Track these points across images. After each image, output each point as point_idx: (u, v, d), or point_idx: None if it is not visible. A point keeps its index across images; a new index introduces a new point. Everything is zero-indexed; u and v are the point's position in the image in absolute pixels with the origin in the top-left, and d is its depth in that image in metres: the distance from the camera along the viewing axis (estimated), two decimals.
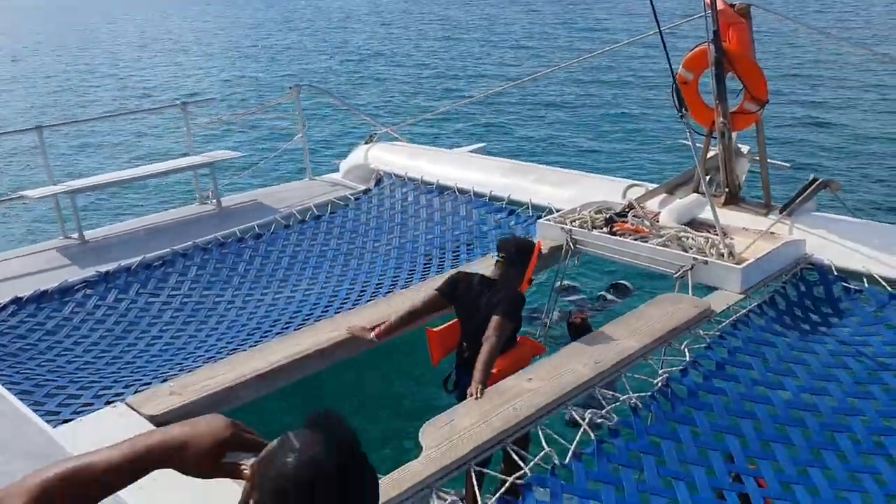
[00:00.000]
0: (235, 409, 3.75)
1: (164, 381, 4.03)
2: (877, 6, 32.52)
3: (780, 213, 5.17)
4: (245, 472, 1.24)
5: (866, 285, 4.61)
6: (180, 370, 4.33)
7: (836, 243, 4.91)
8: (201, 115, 9.38)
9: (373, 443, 5.32)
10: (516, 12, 41.81)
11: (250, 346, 4.56)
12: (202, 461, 1.25)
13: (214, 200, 7.19)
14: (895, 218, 9.41)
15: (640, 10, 37.38)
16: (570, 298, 6.03)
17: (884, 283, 4.54)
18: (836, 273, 4.73)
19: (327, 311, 5.14)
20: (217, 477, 1.27)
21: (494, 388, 3.49)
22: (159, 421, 3.40)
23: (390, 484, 2.83)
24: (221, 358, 4.40)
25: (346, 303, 5.27)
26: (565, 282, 5.46)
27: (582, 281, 7.14)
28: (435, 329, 4.37)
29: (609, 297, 6.67)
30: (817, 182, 5.30)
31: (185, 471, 1.26)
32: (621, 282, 6.76)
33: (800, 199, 5.21)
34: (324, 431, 1.16)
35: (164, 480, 1.29)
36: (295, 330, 4.74)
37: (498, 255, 4.17)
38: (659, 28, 4.55)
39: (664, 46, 4.63)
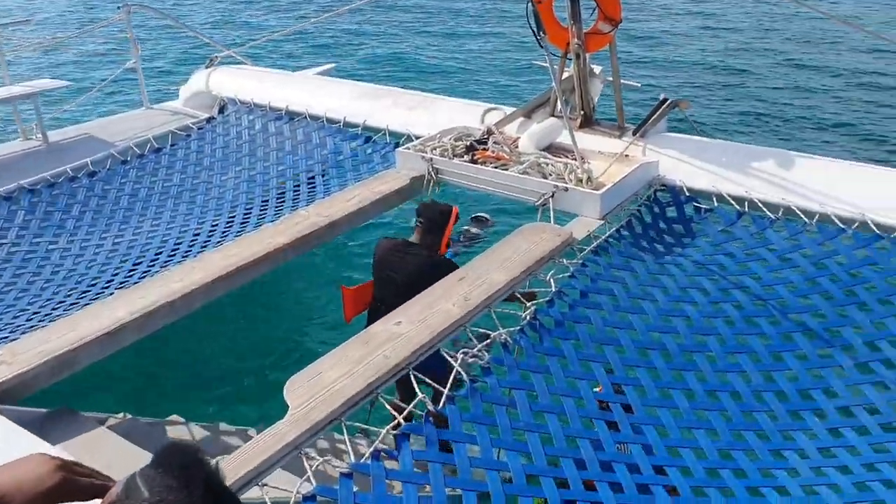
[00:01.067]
0: (77, 373, 3.44)
1: None
2: None
3: (634, 134, 5.22)
4: None
5: (715, 204, 4.76)
6: (11, 332, 3.92)
7: (686, 163, 5.03)
8: (17, 39, 8.40)
9: (236, 403, 5.13)
10: None
11: (92, 300, 4.18)
12: None
13: (40, 135, 6.52)
14: (742, 136, 9.90)
15: None
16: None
17: (732, 201, 4.70)
18: (687, 193, 4.85)
19: (174, 255, 4.80)
20: None
21: (362, 336, 3.35)
22: None
23: (256, 449, 2.66)
24: (58, 315, 4.02)
25: (194, 244, 4.93)
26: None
27: None
28: (350, 287, 4.24)
29: (473, 230, 6.62)
30: (667, 102, 5.38)
31: None
32: (480, 214, 6.71)
33: (651, 119, 5.28)
34: (176, 474, 0.97)
35: None
36: (140, 278, 4.39)
37: (417, 220, 4.11)
38: None
39: None
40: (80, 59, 14.48)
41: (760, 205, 4.62)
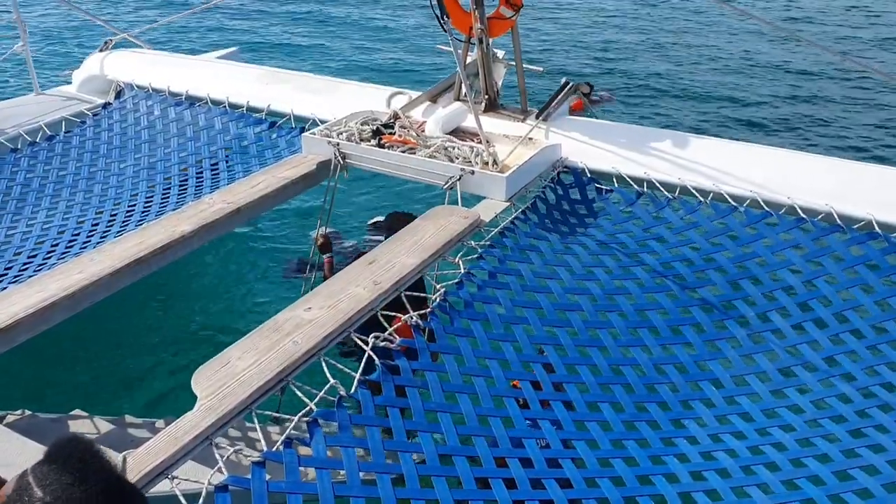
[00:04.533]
0: None
1: None
2: None
3: (537, 118, 5.32)
4: None
5: (616, 185, 4.91)
6: None
7: (588, 145, 5.16)
8: None
9: (143, 395, 5.00)
10: None
11: None
12: None
13: None
14: (641, 119, 10.20)
15: None
16: (340, 247, 5.76)
17: (631, 182, 4.86)
18: (589, 175, 4.99)
19: (72, 246, 4.63)
20: None
21: (270, 324, 3.32)
22: None
23: (165, 441, 2.61)
24: None
25: (93, 235, 4.76)
26: (329, 230, 5.27)
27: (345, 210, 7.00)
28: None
29: (374, 238, 6.48)
30: (569, 85, 5.51)
31: None
32: (378, 219, 6.60)
33: (553, 103, 5.39)
34: (72, 469, 0.94)
35: None
36: (37, 271, 4.21)
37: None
38: None
39: None
40: None
41: (658, 185, 4.80)
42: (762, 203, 4.52)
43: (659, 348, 3.77)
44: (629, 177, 4.87)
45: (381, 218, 5.32)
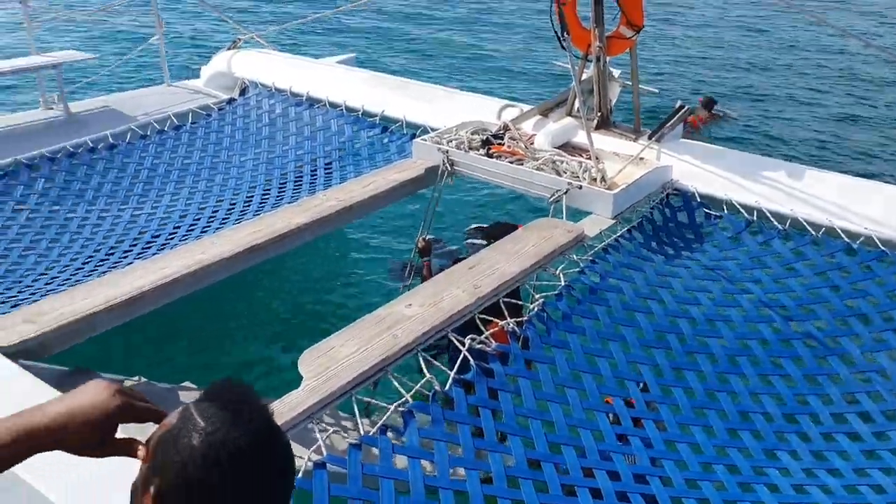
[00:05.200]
0: (97, 336, 3.54)
1: (14, 305, 3.72)
2: None
3: (649, 139, 5.30)
4: (140, 451, 1.10)
5: (725, 211, 4.84)
6: (31, 294, 4.02)
7: (699, 169, 5.10)
8: (45, 11, 8.50)
9: (251, 374, 5.23)
10: None
11: (110, 268, 4.28)
12: (87, 440, 1.09)
13: (62, 106, 6.59)
14: (754, 148, 9.96)
15: None
16: (441, 251, 5.85)
17: (741, 209, 4.78)
18: (699, 199, 4.94)
19: (192, 230, 4.90)
20: (108, 455, 1.13)
21: (374, 316, 3.44)
22: (11, 352, 3.14)
23: None
24: (77, 280, 4.12)
25: (212, 221, 5.03)
26: (429, 235, 5.39)
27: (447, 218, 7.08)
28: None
29: (477, 242, 6.54)
30: (683, 109, 5.46)
31: (72, 452, 1.11)
32: (480, 225, 6.62)
33: (667, 125, 5.36)
34: (231, 406, 1.04)
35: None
36: (159, 250, 4.48)
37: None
38: None
39: None
40: (106, 33, 14.55)
41: (769, 215, 4.70)
42: (878, 241, 4.37)
43: (757, 378, 3.70)
44: (740, 204, 4.80)
45: (482, 224, 5.38)
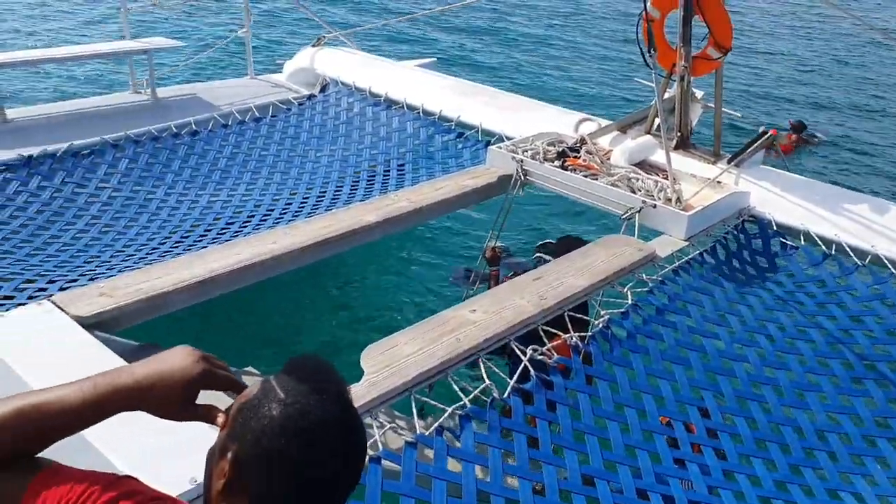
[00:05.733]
0: (168, 314, 3.63)
1: (92, 279, 3.84)
2: None
3: (729, 162, 5.20)
4: (219, 418, 1.14)
5: (802, 242, 4.71)
6: (107, 269, 4.14)
7: (778, 197, 4.99)
8: None
9: None
10: None
11: (184, 250, 4.39)
12: (170, 402, 1.14)
13: (149, 90, 6.80)
14: (835, 178, 9.70)
15: None
16: (508, 261, 5.83)
17: (819, 241, 4.65)
18: (775, 228, 4.82)
19: (265, 219, 4.99)
20: (188, 420, 1.17)
21: (438, 318, 3.45)
22: (87, 323, 3.25)
23: None
24: (153, 259, 4.24)
25: (285, 212, 5.11)
26: (498, 244, 5.38)
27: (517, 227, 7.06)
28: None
29: (545, 258, 6.51)
30: (766, 135, 5.35)
31: (153, 413, 1.15)
32: (548, 241, 6.60)
33: (748, 150, 5.26)
34: (311, 380, 1.06)
35: (127, 417, 1.18)
36: (232, 237, 4.58)
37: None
38: None
39: None
40: (195, 22, 15.01)
41: (848, 249, 4.56)
42: None
43: (824, 415, 3.59)
44: (818, 235, 4.67)
45: (550, 241, 5.34)
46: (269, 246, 4.01)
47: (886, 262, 4.42)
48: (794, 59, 17.21)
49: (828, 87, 15.15)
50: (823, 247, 4.63)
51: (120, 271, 3.95)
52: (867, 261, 4.48)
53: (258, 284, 4.01)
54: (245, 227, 4.85)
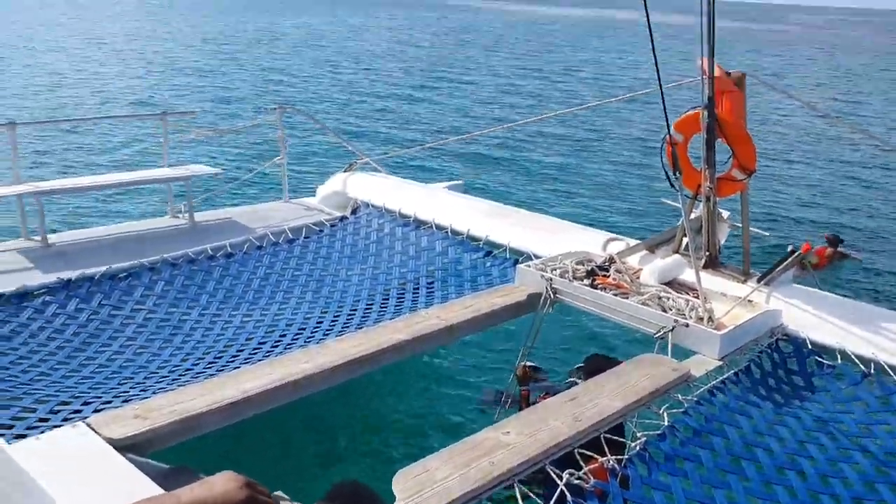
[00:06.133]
0: (203, 435, 3.62)
1: (126, 401, 3.87)
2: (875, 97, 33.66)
3: (759, 281, 5.20)
4: None
5: (839, 361, 4.64)
6: (142, 390, 4.17)
7: (811, 315, 4.95)
8: (181, 128, 9.22)
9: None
10: (514, 56, 42.58)
11: (217, 370, 4.42)
12: None
13: (187, 215, 7.03)
14: (868, 297, 9.62)
15: (640, 67, 38.51)
16: (539, 385, 5.76)
17: (857, 360, 4.57)
18: (810, 346, 4.76)
19: (297, 338, 5.03)
20: None
21: (470, 441, 3.40)
22: (121, 445, 3.25)
23: None
24: (186, 380, 4.26)
25: (316, 331, 5.16)
26: (528, 363, 5.37)
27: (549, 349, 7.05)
28: None
29: (579, 381, 6.45)
30: (795, 254, 5.36)
31: None
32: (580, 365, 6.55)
33: (778, 269, 5.26)
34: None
35: None
36: (265, 356, 4.61)
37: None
38: (661, 86, 4.58)
39: (664, 106, 4.67)
40: (234, 149, 15.64)
41: (888, 368, 4.48)
42: None
43: None
44: (855, 354, 4.59)
45: (581, 364, 5.31)
46: (301, 366, 4.03)
47: None
48: (818, 181, 17.42)
49: (848, 208, 15.26)
50: (862, 366, 4.55)
51: (154, 393, 3.98)
52: None
53: (290, 404, 4.01)
54: (277, 346, 4.89)
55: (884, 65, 50.90)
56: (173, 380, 4.37)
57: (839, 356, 4.65)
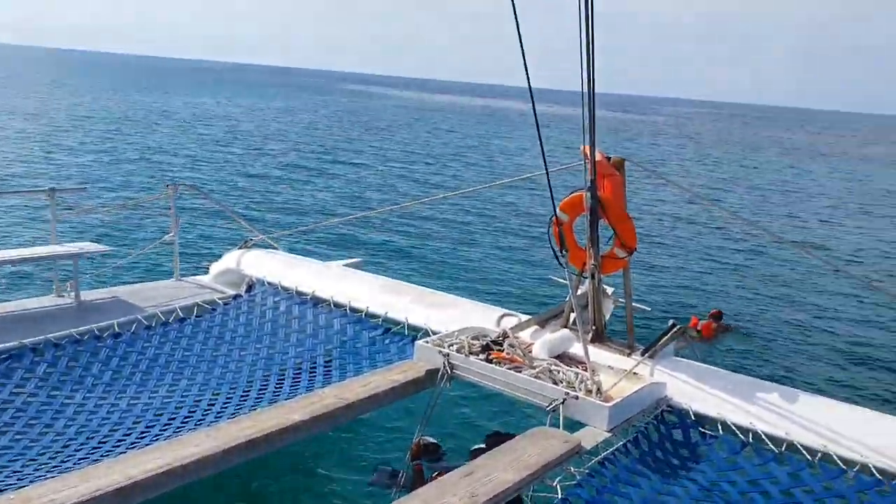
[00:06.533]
0: None
1: (2, 490, 3.65)
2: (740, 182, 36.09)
3: (643, 354, 5.42)
4: None
5: (721, 432, 4.86)
6: (18, 479, 3.96)
7: (694, 388, 5.18)
8: (70, 205, 8.94)
9: None
10: (406, 140, 43.52)
11: (102, 456, 4.24)
12: None
13: (73, 293, 6.79)
14: (745, 370, 10.12)
15: (527, 153, 40.06)
16: (433, 465, 5.67)
17: (737, 430, 4.81)
18: (693, 417, 4.97)
19: (187, 421, 4.89)
20: None
21: None
22: None
23: None
24: (68, 467, 4.07)
25: (208, 413, 5.03)
26: (426, 438, 5.39)
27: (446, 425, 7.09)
28: None
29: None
30: (676, 328, 5.64)
31: None
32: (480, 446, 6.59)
33: (661, 342, 5.51)
34: None
35: None
36: (153, 440, 4.46)
37: None
38: (546, 169, 4.83)
39: (550, 189, 4.91)
40: (124, 227, 15.20)
41: (764, 437, 4.72)
42: (874, 470, 4.36)
43: None
44: (735, 425, 4.83)
45: (482, 445, 5.32)
46: (191, 449, 3.91)
47: (802, 449, 4.59)
48: (694, 259, 18.43)
49: (722, 285, 16.19)
50: (741, 435, 4.78)
51: (32, 481, 3.78)
52: (783, 448, 4.64)
53: (180, 488, 3.87)
54: (166, 429, 4.73)
55: (743, 153, 55.06)
56: (53, 467, 4.17)
57: (720, 427, 4.87)
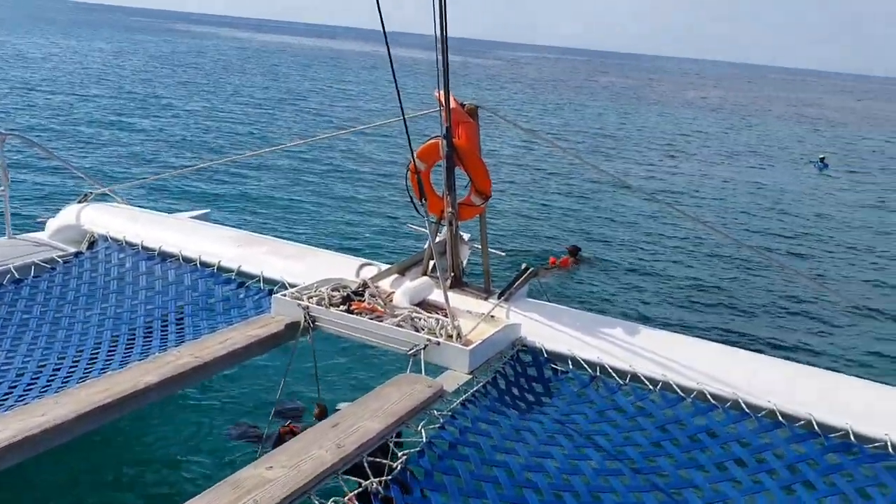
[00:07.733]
0: None
1: None
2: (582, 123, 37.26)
3: (499, 298, 5.60)
4: None
5: (571, 367, 5.12)
6: None
7: (546, 327, 5.41)
8: None
9: None
10: (249, 84, 41.84)
11: None
12: None
13: None
14: (595, 308, 10.66)
15: (386, 99, 39.62)
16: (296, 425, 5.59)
17: (585, 365, 5.08)
18: (545, 355, 5.21)
19: (30, 389, 4.59)
20: None
21: (230, 481, 3.33)
22: None
23: None
24: None
25: (53, 379, 4.74)
26: (286, 403, 5.36)
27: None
28: None
29: None
30: (529, 270, 5.84)
31: None
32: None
33: (515, 285, 5.70)
34: None
35: None
36: None
37: None
38: (404, 116, 4.81)
39: (408, 136, 4.90)
40: None
41: (611, 370, 5.02)
42: (708, 396, 4.74)
43: None
44: (583, 360, 5.10)
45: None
46: (37, 419, 3.69)
47: (644, 379, 4.91)
48: (546, 202, 19.08)
49: (575, 226, 16.91)
50: (589, 370, 5.06)
51: None
52: (627, 379, 4.95)
53: (31, 459, 3.66)
54: (7, 399, 4.43)
55: (581, 98, 57.20)
56: None
57: (570, 362, 5.13)
